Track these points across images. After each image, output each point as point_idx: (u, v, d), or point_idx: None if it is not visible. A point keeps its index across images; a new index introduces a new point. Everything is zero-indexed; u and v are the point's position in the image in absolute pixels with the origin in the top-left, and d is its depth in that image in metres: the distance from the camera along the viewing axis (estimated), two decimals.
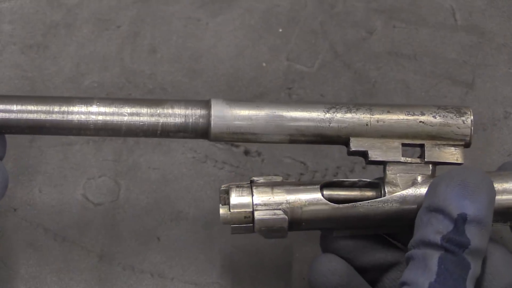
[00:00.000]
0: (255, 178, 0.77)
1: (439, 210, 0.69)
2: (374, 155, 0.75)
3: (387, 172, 0.75)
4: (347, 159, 0.95)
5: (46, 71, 1.00)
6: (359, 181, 0.77)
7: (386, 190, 0.75)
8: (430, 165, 0.75)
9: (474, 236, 0.68)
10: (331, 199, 0.75)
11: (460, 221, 0.68)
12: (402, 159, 0.75)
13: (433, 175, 0.76)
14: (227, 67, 1.01)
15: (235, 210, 0.74)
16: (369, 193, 0.76)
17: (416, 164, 0.75)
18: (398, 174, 0.75)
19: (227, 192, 0.76)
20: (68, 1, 1.04)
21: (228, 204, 0.75)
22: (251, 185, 0.75)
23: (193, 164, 0.95)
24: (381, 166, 0.76)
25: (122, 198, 0.94)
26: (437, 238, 0.68)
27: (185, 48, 1.02)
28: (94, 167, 0.95)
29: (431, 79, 1.00)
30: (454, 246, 0.67)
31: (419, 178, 0.75)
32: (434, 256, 0.67)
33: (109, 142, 0.96)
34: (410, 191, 0.74)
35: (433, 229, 0.68)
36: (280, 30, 1.03)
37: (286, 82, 1.00)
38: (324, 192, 0.76)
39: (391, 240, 0.80)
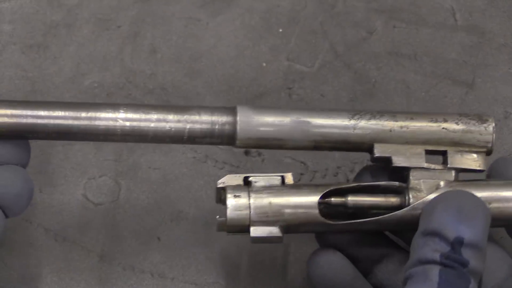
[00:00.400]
0: (252, 179, 0.76)
1: (435, 234, 0.69)
2: (398, 161, 0.75)
3: (411, 178, 0.75)
4: (347, 159, 0.95)
5: (46, 71, 1.00)
6: (357, 185, 0.77)
7: (410, 196, 0.75)
8: (453, 171, 0.75)
9: (471, 258, 0.68)
10: (355, 206, 0.75)
11: (457, 244, 0.68)
12: (426, 165, 0.75)
13: (456, 181, 0.76)
14: (227, 67, 1.01)
15: (232, 223, 0.74)
16: (393, 199, 0.76)
17: (440, 170, 0.75)
18: (422, 180, 0.75)
19: (224, 190, 0.76)
20: (68, 1, 1.04)
21: (225, 214, 0.75)
22: (248, 194, 0.75)
23: (193, 164, 0.95)
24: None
25: (122, 198, 0.94)
26: (436, 256, 0.68)
27: (185, 48, 1.02)
28: (94, 167, 0.95)
29: (431, 79, 1.00)
30: (453, 263, 0.67)
31: (442, 184, 0.75)
32: (434, 269, 0.67)
33: (109, 142, 0.96)
34: (423, 200, 0.74)
35: (430, 249, 0.68)
36: (280, 30, 1.03)
37: (286, 82, 1.00)
38: (349, 198, 0.75)
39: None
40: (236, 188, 0.76)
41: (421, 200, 0.74)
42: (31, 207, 0.93)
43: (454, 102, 0.99)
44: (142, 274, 0.91)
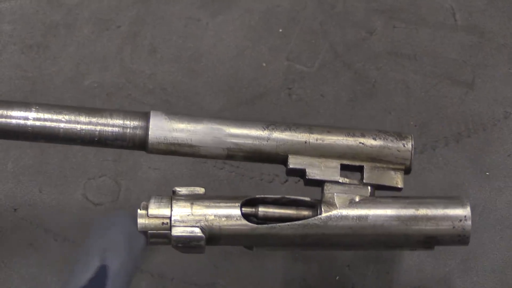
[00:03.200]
0: (177, 189, 0.75)
1: None
2: (312, 174, 0.74)
3: (325, 191, 0.73)
4: None
5: (46, 71, 1.00)
6: (282, 197, 0.75)
7: (322, 210, 0.73)
8: (369, 187, 0.74)
9: None
10: (265, 217, 0.74)
11: None
12: (340, 179, 0.74)
13: (371, 197, 0.74)
14: (227, 67, 1.01)
15: (153, 216, 0.73)
16: (305, 212, 0.74)
17: (355, 186, 0.74)
18: (335, 194, 0.73)
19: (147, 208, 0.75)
20: (68, 1, 1.04)
21: (147, 211, 0.73)
22: (171, 198, 0.74)
23: (193, 164, 0.95)
24: None
25: (122, 198, 0.94)
26: None
27: (185, 48, 1.02)
28: (94, 167, 0.95)
29: (431, 79, 1.00)
30: None
31: (357, 199, 0.73)
32: None
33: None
34: (334, 213, 0.73)
35: None
36: (280, 31, 1.03)
37: (286, 82, 1.00)
38: (260, 209, 0.74)
39: None
40: (159, 195, 0.75)
41: (331, 213, 0.72)
42: (30, 207, 0.93)
43: (454, 102, 0.99)
44: (142, 274, 0.91)
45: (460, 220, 0.72)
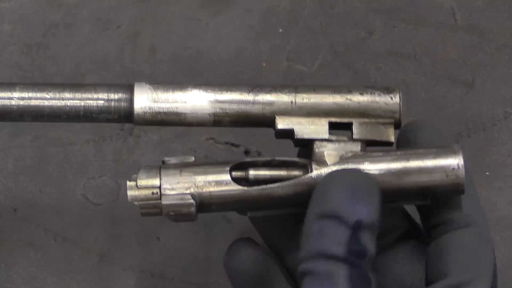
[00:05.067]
0: (166, 159, 0.76)
1: (333, 217, 0.65)
2: (300, 133, 0.74)
3: (315, 150, 0.73)
4: None
5: (46, 71, 1.00)
6: (273, 160, 0.75)
7: (313, 168, 0.73)
8: (359, 143, 0.74)
9: (369, 243, 0.64)
10: (256, 179, 0.74)
11: (357, 228, 0.64)
12: (330, 137, 0.74)
13: (362, 151, 0.74)
14: (227, 67, 1.01)
15: (142, 187, 0.73)
16: (296, 172, 0.74)
17: (345, 142, 0.74)
18: (325, 152, 0.73)
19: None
20: (68, 1, 1.04)
21: (136, 181, 0.73)
22: (160, 167, 0.74)
23: None
24: None
25: (122, 198, 0.94)
26: (340, 250, 0.63)
27: (185, 48, 1.02)
28: (94, 167, 0.95)
29: (431, 79, 1.00)
30: (356, 258, 0.63)
31: (348, 155, 0.73)
32: (340, 273, 0.63)
33: (109, 142, 0.96)
34: (325, 170, 0.72)
35: (331, 239, 0.64)
36: (280, 30, 1.03)
37: (286, 82, 1.00)
38: (250, 172, 0.74)
39: None
40: (148, 165, 0.76)
41: (321, 170, 0.72)
42: (30, 207, 0.93)
43: (454, 102, 0.99)
44: (142, 274, 0.91)
45: (453, 169, 0.71)
